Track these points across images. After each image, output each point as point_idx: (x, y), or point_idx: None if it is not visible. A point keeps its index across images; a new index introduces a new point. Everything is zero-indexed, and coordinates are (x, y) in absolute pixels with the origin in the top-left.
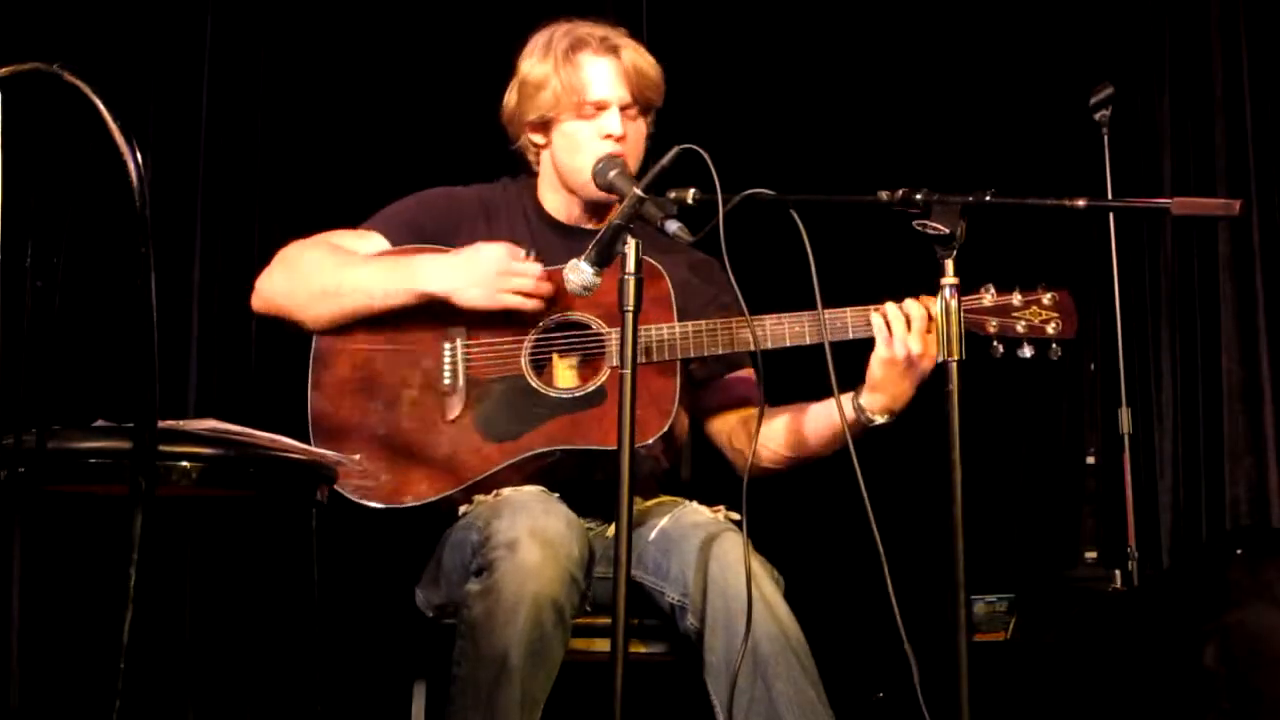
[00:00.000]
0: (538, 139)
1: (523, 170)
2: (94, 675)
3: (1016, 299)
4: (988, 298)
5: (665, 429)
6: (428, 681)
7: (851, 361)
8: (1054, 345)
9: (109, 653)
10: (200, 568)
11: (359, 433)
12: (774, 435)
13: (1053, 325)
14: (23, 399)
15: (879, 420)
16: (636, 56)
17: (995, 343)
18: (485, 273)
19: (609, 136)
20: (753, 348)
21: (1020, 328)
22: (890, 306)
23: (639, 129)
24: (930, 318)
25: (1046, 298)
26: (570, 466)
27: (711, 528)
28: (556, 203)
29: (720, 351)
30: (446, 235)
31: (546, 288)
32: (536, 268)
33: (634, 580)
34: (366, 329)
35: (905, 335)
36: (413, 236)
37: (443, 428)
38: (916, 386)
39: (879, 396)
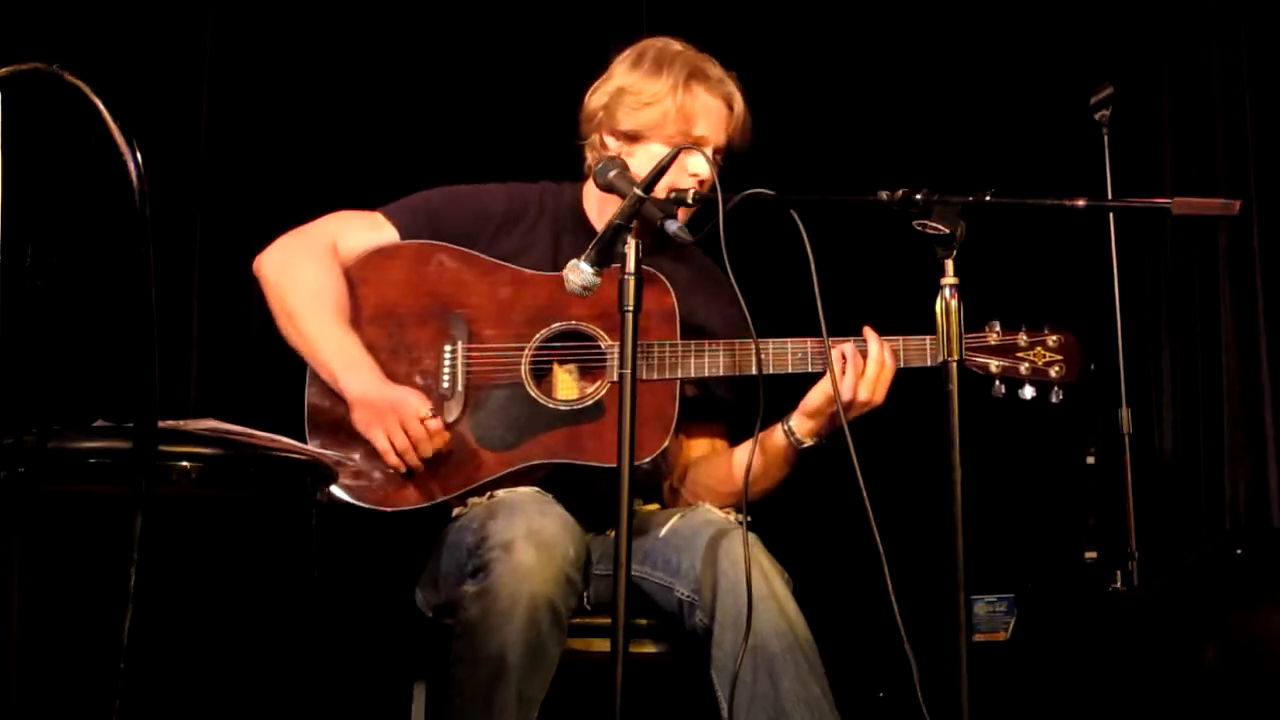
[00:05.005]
0: (616, 145)
1: (566, 175)
2: (94, 675)
3: (1022, 339)
4: (993, 336)
5: (662, 448)
6: (428, 681)
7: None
8: (1056, 388)
9: (109, 653)
10: (200, 568)
11: (355, 430)
12: (720, 476)
13: (1056, 369)
14: (23, 399)
15: (808, 443)
16: (742, 108)
17: (998, 382)
18: (386, 410)
19: (695, 175)
20: (755, 371)
21: (1024, 369)
22: (851, 348)
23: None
24: (884, 365)
25: (1052, 339)
26: (571, 477)
27: (722, 525)
28: (600, 209)
29: (721, 374)
30: (463, 240)
31: (412, 458)
32: (417, 430)
33: (635, 580)
34: (367, 325)
35: (857, 381)
36: (428, 233)
37: None
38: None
39: (811, 423)
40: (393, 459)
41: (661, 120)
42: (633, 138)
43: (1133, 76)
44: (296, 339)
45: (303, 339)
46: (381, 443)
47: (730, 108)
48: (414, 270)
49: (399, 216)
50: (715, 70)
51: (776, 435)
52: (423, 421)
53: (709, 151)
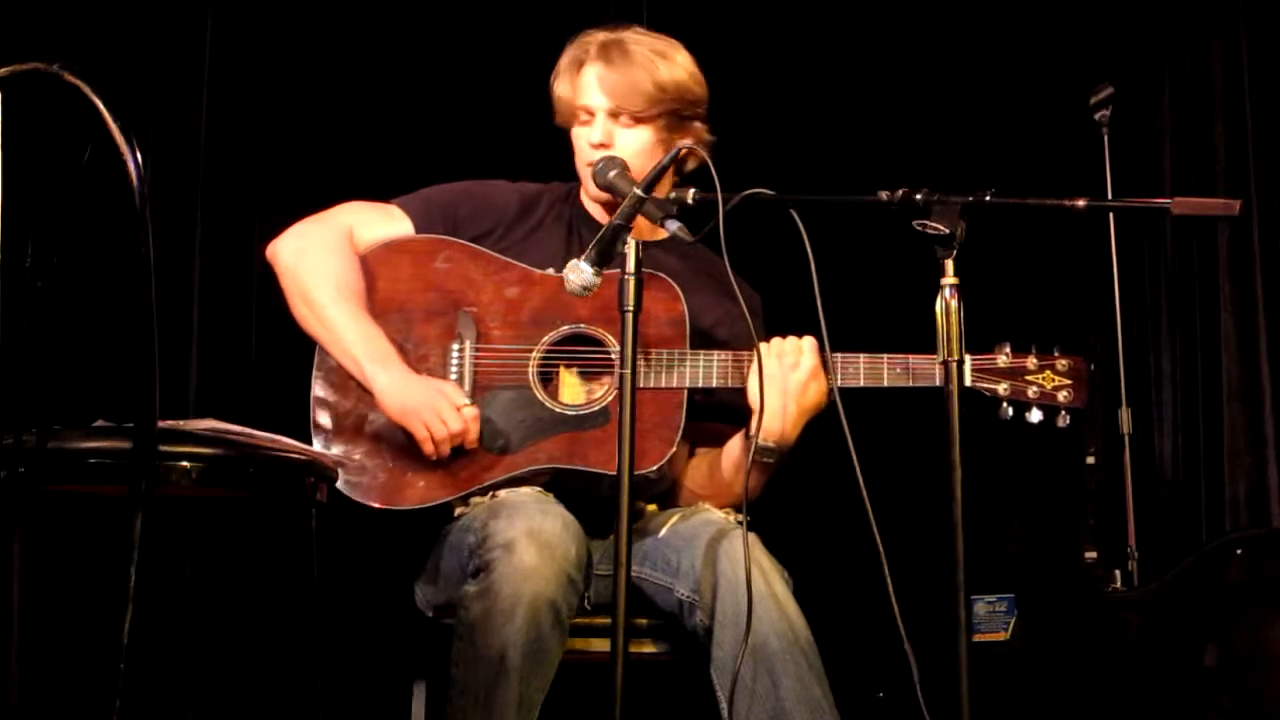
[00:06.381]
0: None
1: (565, 172)
2: (94, 675)
3: (1031, 362)
4: (1002, 359)
5: (665, 460)
6: (428, 681)
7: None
8: (1063, 413)
9: (109, 653)
10: (200, 568)
11: (359, 425)
12: (718, 480)
13: (1064, 393)
14: (23, 399)
15: (758, 442)
16: (630, 63)
17: (1004, 405)
18: (418, 401)
19: (591, 144)
20: (758, 379)
21: (1031, 393)
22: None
23: (636, 136)
24: (802, 353)
25: (1061, 363)
26: (574, 481)
27: (722, 525)
28: (593, 207)
29: (730, 384)
30: (476, 235)
31: (445, 448)
32: (457, 422)
33: (635, 580)
34: (375, 319)
35: (779, 355)
36: (443, 227)
37: None
38: (801, 416)
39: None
40: (430, 449)
41: (559, 110)
42: (565, 130)
43: (1133, 76)
44: (317, 328)
45: (325, 328)
46: (421, 432)
47: (606, 66)
48: (423, 265)
49: (414, 209)
50: (603, 36)
51: (738, 441)
52: (459, 410)
53: (601, 119)
